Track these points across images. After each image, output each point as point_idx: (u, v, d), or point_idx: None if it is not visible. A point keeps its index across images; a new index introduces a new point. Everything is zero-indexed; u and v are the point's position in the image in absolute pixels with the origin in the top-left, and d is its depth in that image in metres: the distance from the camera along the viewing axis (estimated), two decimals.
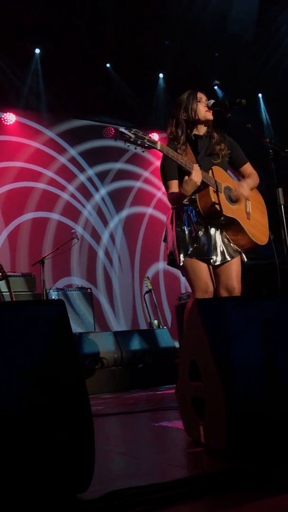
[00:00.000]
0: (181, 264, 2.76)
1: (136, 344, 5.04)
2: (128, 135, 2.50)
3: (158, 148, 2.59)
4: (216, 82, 7.55)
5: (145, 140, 2.54)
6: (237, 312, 1.64)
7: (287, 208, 2.71)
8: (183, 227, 2.81)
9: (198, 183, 2.63)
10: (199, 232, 2.78)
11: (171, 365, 4.69)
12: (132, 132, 2.51)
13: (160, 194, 8.03)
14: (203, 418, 1.69)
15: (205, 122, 2.90)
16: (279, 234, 2.86)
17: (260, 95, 8.11)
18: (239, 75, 7.42)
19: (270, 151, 2.77)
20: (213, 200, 2.70)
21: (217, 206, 2.71)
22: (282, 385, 1.55)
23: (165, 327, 5.94)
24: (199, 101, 2.87)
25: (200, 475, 1.23)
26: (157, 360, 4.97)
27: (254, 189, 3.05)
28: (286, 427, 1.50)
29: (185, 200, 2.80)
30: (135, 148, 2.55)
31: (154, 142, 2.57)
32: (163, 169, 2.90)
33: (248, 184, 2.93)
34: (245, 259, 2.97)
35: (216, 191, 2.73)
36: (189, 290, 5.95)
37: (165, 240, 2.98)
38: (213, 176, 2.77)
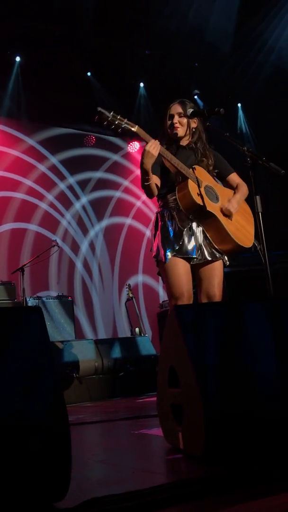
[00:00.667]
0: (167, 260, 2.73)
1: (117, 352, 5.02)
2: (106, 115, 2.53)
3: (135, 130, 2.64)
4: (196, 91, 7.63)
5: (123, 122, 2.56)
6: (215, 318, 1.65)
7: (264, 216, 2.76)
8: (167, 227, 2.81)
9: (155, 154, 2.64)
10: (183, 231, 2.78)
11: (152, 373, 4.68)
12: (111, 113, 2.54)
13: (140, 203, 8.04)
14: (181, 425, 1.69)
15: (177, 137, 2.91)
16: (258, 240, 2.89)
17: (239, 104, 8.23)
18: (218, 85, 7.52)
19: (248, 159, 2.81)
20: (191, 191, 2.71)
21: (197, 198, 2.71)
22: (259, 390, 1.56)
23: (146, 335, 5.93)
24: (169, 119, 2.91)
25: (177, 482, 1.23)
26: (138, 368, 4.95)
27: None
28: (262, 432, 1.51)
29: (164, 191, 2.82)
30: (112, 127, 2.57)
31: (132, 125, 2.62)
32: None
33: (237, 200, 2.95)
34: (227, 262, 2.97)
35: (198, 186, 2.75)
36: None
37: (151, 249, 2.95)
38: (194, 174, 2.80)
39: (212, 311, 1.68)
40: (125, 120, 2.60)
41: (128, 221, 7.93)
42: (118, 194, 7.92)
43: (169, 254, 2.73)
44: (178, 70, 7.33)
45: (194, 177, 2.76)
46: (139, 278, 7.80)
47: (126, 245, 7.81)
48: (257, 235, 2.85)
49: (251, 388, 1.56)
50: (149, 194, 2.85)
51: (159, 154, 2.74)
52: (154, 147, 2.64)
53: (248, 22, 7.02)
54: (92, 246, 7.57)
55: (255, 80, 7.43)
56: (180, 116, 2.91)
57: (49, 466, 1.18)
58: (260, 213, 2.75)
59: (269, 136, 7.37)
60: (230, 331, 1.62)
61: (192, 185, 2.73)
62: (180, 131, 2.89)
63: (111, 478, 1.48)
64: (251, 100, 7.79)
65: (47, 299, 5.91)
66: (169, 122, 2.90)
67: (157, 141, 2.69)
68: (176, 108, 2.92)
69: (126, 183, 8.02)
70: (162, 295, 7.77)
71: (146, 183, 2.76)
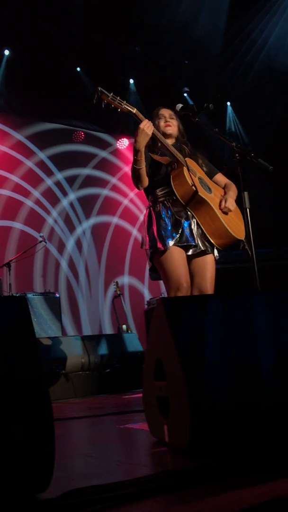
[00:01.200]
0: (167, 249, 2.71)
1: (103, 348, 5.00)
2: (106, 94, 2.57)
3: (134, 112, 2.70)
4: (186, 89, 7.64)
5: (123, 103, 2.65)
6: (203, 310, 1.65)
7: (252, 212, 2.76)
8: (165, 219, 2.80)
9: (149, 132, 2.69)
10: (182, 220, 2.79)
11: (139, 370, 4.66)
12: (111, 93, 2.61)
13: (127, 201, 8.01)
14: (167, 417, 1.68)
15: (169, 136, 2.96)
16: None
17: (228, 103, 8.25)
18: (207, 83, 7.53)
19: (237, 155, 2.82)
20: (186, 178, 2.72)
21: (191, 183, 2.72)
22: (245, 383, 1.56)
23: (133, 332, 5.92)
24: (160, 118, 2.98)
25: (160, 473, 1.22)
26: (125, 364, 4.95)
27: None
28: (248, 425, 1.51)
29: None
30: (111, 107, 2.62)
31: (132, 107, 2.69)
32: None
33: (233, 198, 2.99)
34: (217, 256, 2.97)
35: (189, 172, 2.77)
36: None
37: (142, 245, 2.93)
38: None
39: (200, 304, 1.68)
40: (125, 102, 2.67)
41: (115, 220, 7.88)
42: (105, 192, 7.88)
43: (170, 242, 2.72)
44: (168, 67, 7.33)
45: (187, 164, 2.78)
46: (125, 280, 7.76)
47: (112, 244, 7.77)
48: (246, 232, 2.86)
49: (237, 381, 1.56)
50: (139, 182, 2.82)
51: (148, 153, 2.77)
52: (149, 126, 2.69)
53: (238, 20, 7.04)
54: (79, 243, 7.52)
55: (245, 78, 7.45)
56: (171, 118, 3.01)
57: (31, 457, 1.16)
58: (248, 209, 2.77)
59: (258, 134, 7.41)
60: (218, 323, 1.62)
61: (187, 173, 2.75)
62: (173, 130, 2.98)
63: (95, 470, 1.47)
64: (241, 98, 7.81)
65: (33, 295, 5.87)
66: (160, 120, 2.97)
67: (150, 121, 2.72)
68: (167, 111, 3.03)
69: (114, 180, 7.98)
70: (147, 296, 7.76)
71: (137, 167, 2.74)
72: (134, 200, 8.05)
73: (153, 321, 1.85)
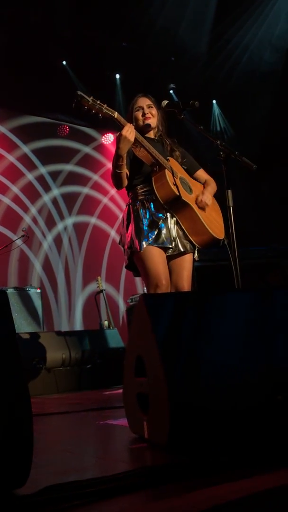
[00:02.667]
0: (141, 250, 2.70)
1: (85, 344, 4.99)
2: (86, 99, 2.51)
3: (115, 116, 2.63)
4: (172, 85, 7.63)
5: (103, 107, 2.56)
6: (183, 307, 1.65)
7: (235, 210, 2.78)
8: (141, 217, 2.78)
9: (131, 139, 2.62)
10: (159, 221, 2.77)
11: (120, 366, 4.65)
12: (90, 98, 2.53)
13: (107, 200, 7.93)
14: (147, 414, 1.69)
15: (149, 128, 2.92)
16: (227, 235, 2.91)
17: (214, 101, 8.27)
18: (194, 81, 7.54)
19: (221, 153, 2.83)
20: (169, 180, 2.71)
21: (174, 188, 2.71)
22: (223, 379, 1.57)
23: (115, 328, 5.92)
24: (137, 111, 2.91)
25: (139, 469, 1.22)
26: (106, 360, 4.94)
27: None
28: (226, 422, 1.52)
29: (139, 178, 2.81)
30: (92, 112, 2.55)
31: (112, 111, 2.61)
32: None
33: (210, 193, 2.98)
34: (197, 257, 2.99)
35: (172, 175, 2.75)
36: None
37: (120, 241, 2.93)
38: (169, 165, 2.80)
39: (180, 300, 1.68)
40: (105, 106, 2.59)
41: (93, 220, 7.76)
42: (86, 190, 7.77)
43: (144, 243, 2.71)
44: (155, 64, 7.32)
45: (169, 167, 2.77)
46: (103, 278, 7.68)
47: (92, 241, 7.70)
48: (227, 229, 2.88)
49: (217, 379, 1.57)
50: (119, 184, 2.80)
51: (131, 148, 2.74)
52: (131, 132, 2.62)
53: (225, 18, 7.06)
54: (59, 239, 7.42)
55: (230, 77, 7.49)
56: (149, 107, 2.92)
57: (8, 452, 1.15)
58: (231, 207, 2.78)
59: (243, 133, 7.45)
60: (199, 320, 1.62)
61: (169, 175, 2.73)
62: (153, 121, 2.91)
63: (74, 466, 1.46)
64: (226, 97, 7.84)
65: (14, 290, 5.82)
66: (139, 113, 2.90)
67: (132, 126, 2.67)
68: (144, 100, 2.94)
69: (95, 177, 7.90)
70: (122, 307, 7.73)
71: (118, 171, 2.72)
72: (114, 198, 7.97)
73: (134, 317, 1.85)
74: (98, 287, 6.57)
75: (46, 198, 7.38)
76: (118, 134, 2.66)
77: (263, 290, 1.81)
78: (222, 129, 8.15)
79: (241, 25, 7.16)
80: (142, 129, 2.90)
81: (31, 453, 1.18)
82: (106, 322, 6.35)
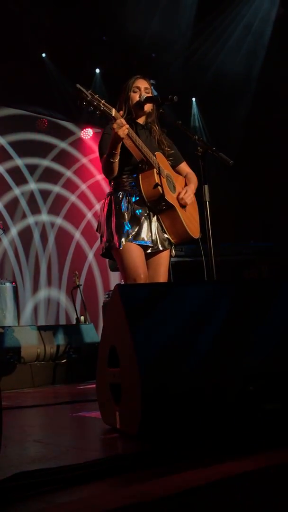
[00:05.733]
0: (121, 247, 2.68)
1: (60, 338, 4.95)
2: (85, 93, 2.44)
3: (113, 114, 2.54)
4: (152, 81, 7.63)
5: (101, 103, 2.48)
6: (158, 297, 1.66)
7: (211, 205, 2.80)
8: (123, 213, 2.74)
9: (123, 136, 2.56)
10: (141, 218, 2.75)
11: (95, 361, 4.64)
12: (89, 92, 2.45)
13: (74, 198, 7.82)
14: (119, 404, 1.69)
15: (141, 113, 2.88)
16: (203, 230, 2.94)
17: (193, 99, 8.30)
18: (174, 78, 7.55)
19: (199, 148, 2.84)
20: (157, 181, 2.69)
21: (160, 189, 2.70)
22: (196, 368, 1.59)
23: (91, 323, 5.90)
24: (135, 91, 2.85)
25: (109, 456, 1.22)
26: (81, 355, 4.92)
27: None
28: (195, 410, 1.53)
29: (126, 178, 2.79)
30: (90, 109, 2.47)
31: (110, 108, 2.53)
32: (103, 141, 2.81)
33: (192, 191, 2.97)
34: (174, 254, 3.00)
35: (159, 174, 2.74)
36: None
37: (98, 229, 2.90)
38: (157, 161, 2.78)
39: (154, 290, 1.69)
40: (103, 102, 2.50)
41: (59, 220, 7.61)
42: (56, 189, 7.63)
43: (123, 240, 2.68)
44: (135, 59, 7.30)
45: (157, 166, 2.75)
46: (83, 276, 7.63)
47: (62, 240, 7.61)
48: (203, 225, 2.90)
49: (189, 368, 1.58)
50: (110, 173, 2.74)
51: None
52: (124, 130, 2.54)
53: (205, 17, 7.10)
54: (29, 233, 7.30)
55: (207, 76, 7.54)
56: (146, 91, 2.88)
57: None
58: (207, 203, 2.80)
59: (222, 131, 7.50)
60: (172, 310, 1.63)
61: (156, 176, 2.71)
62: (148, 106, 2.86)
63: (45, 455, 1.46)
64: (206, 95, 7.88)
65: None
66: (136, 95, 2.84)
67: (124, 121, 2.58)
68: (143, 83, 2.89)
69: (68, 173, 7.79)
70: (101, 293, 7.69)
71: (112, 160, 2.66)
72: (85, 193, 7.87)
73: (109, 308, 1.85)
74: (74, 281, 6.53)
75: (17, 191, 7.23)
76: (111, 123, 2.58)
77: (242, 281, 1.83)
78: (201, 127, 8.18)
79: (219, 24, 7.22)
80: (136, 111, 2.85)
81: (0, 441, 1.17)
82: (82, 318, 6.32)
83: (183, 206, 2.94)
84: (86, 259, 7.78)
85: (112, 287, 7.70)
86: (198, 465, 1.15)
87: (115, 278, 7.71)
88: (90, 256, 7.82)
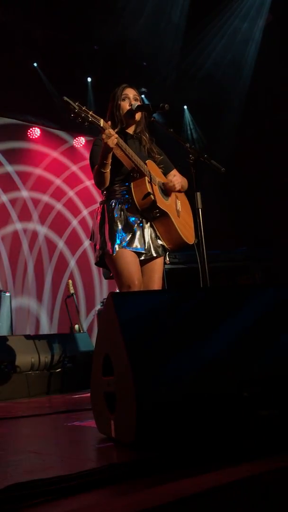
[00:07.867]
0: (114, 253, 2.68)
1: (54, 348, 4.93)
2: (73, 105, 2.45)
3: (101, 125, 2.55)
4: (143, 89, 7.67)
5: (89, 114, 2.49)
6: (152, 305, 1.66)
7: (204, 212, 2.81)
8: (116, 220, 2.75)
9: (111, 144, 2.57)
10: (134, 225, 2.76)
11: (90, 370, 4.61)
12: (76, 104, 2.46)
13: (60, 206, 7.78)
14: (114, 413, 1.68)
15: (132, 121, 2.90)
16: (197, 237, 2.95)
17: (185, 107, 8.35)
18: (165, 87, 7.59)
19: (190, 156, 2.86)
20: (148, 189, 2.70)
21: (152, 197, 2.71)
22: (192, 376, 1.58)
23: (85, 332, 5.88)
24: (123, 100, 2.87)
25: (104, 466, 1.22)
26: (76, 364, 4.90)
27: (182, 192, 3.10)
28: (192, 418, 1.53)
29: (117, 186, 2.80)
30: (79, 120, 2.48)
31: (98, 119, 2.54)
32: (93, 153, 2.84)
33: (179, 175, 2.99)
34: (168, 261, 3.01)
35: (151, 182, 2.75)
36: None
37: (92, 238, 2.91)
38: (148, 169, 2.80)
39: (148, 298, 1.69)
40: (91, 113, 2.51)
41: (44, 230, 7.58)
42: (45, 198, 7.62)
43: (117, 247, 2.68)
44: (126, 68, 7.34)
45: (149, 174, 2.76)
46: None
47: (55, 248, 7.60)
48: (196, 232, 2.91)
49: (184, 376, 1.58)
50: (102, 183, 2.77)
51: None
52: (113, 139, 2.56)
53: (196, 25, 7.16)
54: (18, 242, 7.28)
55: (199, 84, 7.59)
56: (135, 99, 2.90)
57: None
58: (200, 210, 2.81)
59: (214, 139, 7.54)
60: (166, 318, 1.63)
61: (148, 185, 2.73)
62: (138, 115, 2.88)
63: (39, 466, 1.44)
64: (197, 103, 7.93)
65: None
66: (126, 103, 2.86)
67: (113, 131, 2.60)
68: (131, 91, 2.91)
69: (58, 181, 7.78)
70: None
71: (104, 170, 2.69)
72: (72, 200, 7.86)
73: (102, 316, 1.84)
74: (69, 290, 6.52)
75: (4, 198, 7.20)
76: (101, 134, 2.60)
77: (241, 288, 1.83)
78: (192, 135, 8.23)
79: (209, 31, 7.29)
80: (126, 120, 2.87)
81: None
82: (77, 326, 6.30)
83: (177, 212, 2.96)
84: (68, 267, 7.73)
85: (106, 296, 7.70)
86: (196, 472, 1.14)
87: (112, 287, 7.71)
88: (90, 264, 7.81)
